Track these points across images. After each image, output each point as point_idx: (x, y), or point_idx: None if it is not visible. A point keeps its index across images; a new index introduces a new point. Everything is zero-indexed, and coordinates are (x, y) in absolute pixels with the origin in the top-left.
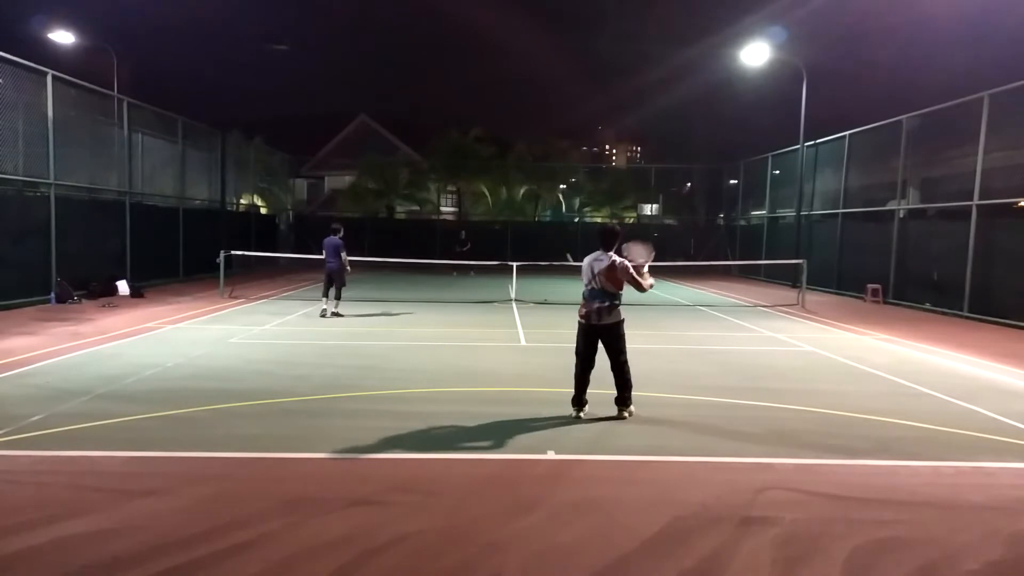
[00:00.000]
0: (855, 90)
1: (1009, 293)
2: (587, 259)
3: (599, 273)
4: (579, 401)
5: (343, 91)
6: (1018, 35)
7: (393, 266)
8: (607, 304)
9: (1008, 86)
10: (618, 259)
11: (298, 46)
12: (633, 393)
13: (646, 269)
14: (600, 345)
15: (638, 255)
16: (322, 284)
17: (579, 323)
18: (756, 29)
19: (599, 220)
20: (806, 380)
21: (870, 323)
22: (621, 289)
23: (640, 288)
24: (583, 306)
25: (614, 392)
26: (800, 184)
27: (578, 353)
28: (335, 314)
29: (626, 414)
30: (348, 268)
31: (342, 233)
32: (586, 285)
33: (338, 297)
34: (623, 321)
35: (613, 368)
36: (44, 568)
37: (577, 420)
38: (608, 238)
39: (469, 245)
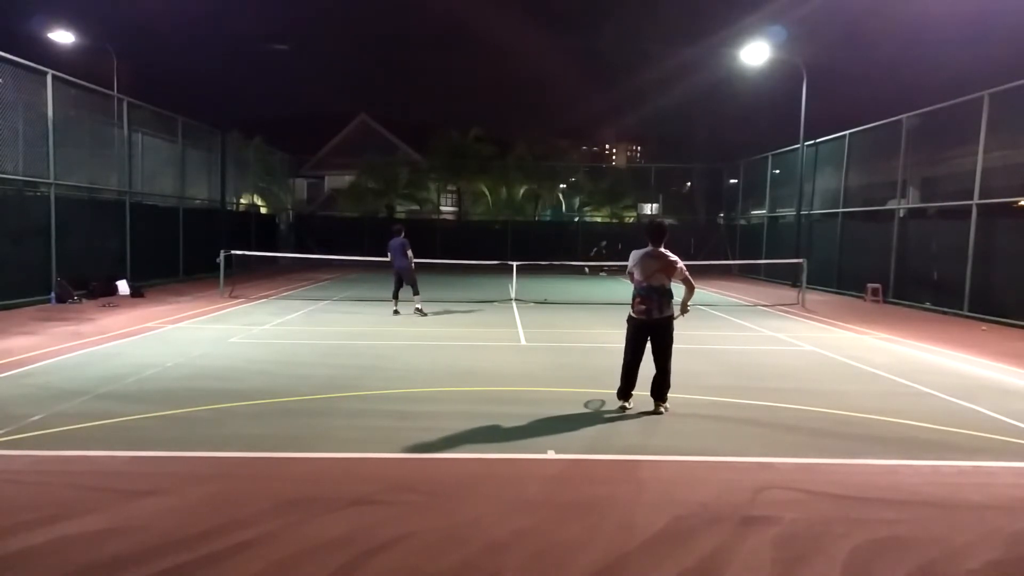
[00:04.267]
0: (855, 90)
1: (1009, 293)
2: (638, 255)
3: (659, 269)
4: (627, 395)
5: (343, 91)
6: (1018, 35)
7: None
8: (666, 299)
9: (1008, 86)
10: (672, 256)
11: (298, 46)
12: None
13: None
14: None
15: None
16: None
17: (633, 320)
18: (756, 29)
19: (599, 219)
20: (806, 379)
21: (870, 322)
22: (670, 284)
23: (692, 287)
24: (639, 302)
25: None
26: (800, 183)
27: (630, 350)
28: (418, 311)
29: (663, 408)
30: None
31: (404, 233)
32: (642, 281)
33: (416, 293)
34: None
35: (659, 363)
36: (44, 568)
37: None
38: (659, 233)
39: (603, 248)
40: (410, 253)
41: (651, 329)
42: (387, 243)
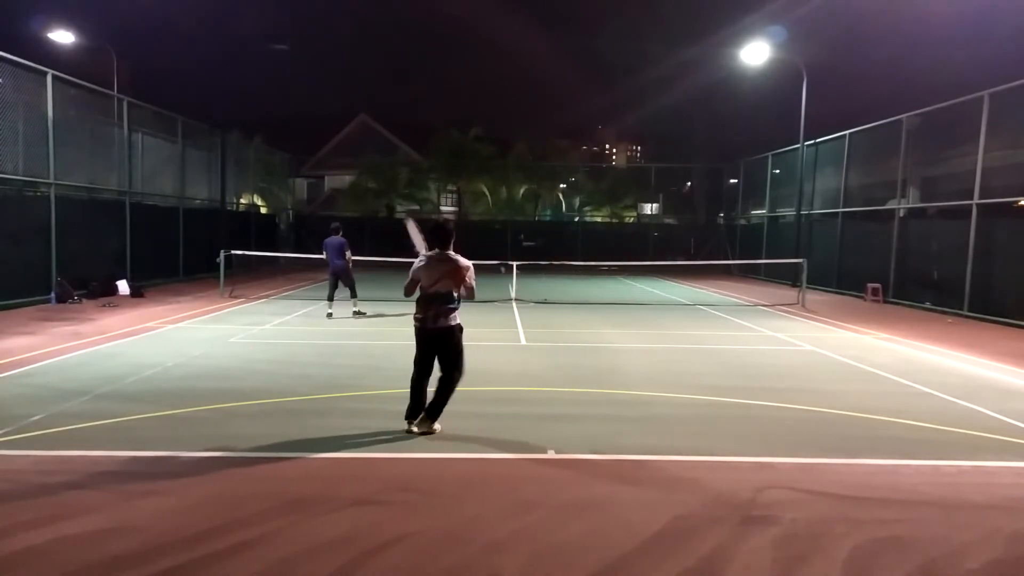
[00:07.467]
0: (855, 90)
1: (1009, 292)
2: (426, 257)
3: (447, 275)
4: (414, 413)
5: (343, 91)
6: (1018, 35)
7: (393, 265)
8: (451, 306)
9: (1008, 85)
10: (463, 260)
11: (298, 46)
12: (632, 392)
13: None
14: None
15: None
16: (327, 286)
17: (416, 328)
18: (756, 28)
19: (599, 219)
20: (806, 379)
21: (870, 322)
22: (460, 291)
23: (472, 293)
24: (417, 310)
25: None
26: (800, 183)
27: (416, 361)
28: (357, 313)
29: (435, 428)
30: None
31: (342, 232)
32: (429, 287)
33: (354, 295)
34: (461, 327)
35: (442, 377)
36: (44, 568)
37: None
38: (446, 235)
39: (533, 243)
40: (348, 253)
41: (431, 339)
42: (323, 242)
